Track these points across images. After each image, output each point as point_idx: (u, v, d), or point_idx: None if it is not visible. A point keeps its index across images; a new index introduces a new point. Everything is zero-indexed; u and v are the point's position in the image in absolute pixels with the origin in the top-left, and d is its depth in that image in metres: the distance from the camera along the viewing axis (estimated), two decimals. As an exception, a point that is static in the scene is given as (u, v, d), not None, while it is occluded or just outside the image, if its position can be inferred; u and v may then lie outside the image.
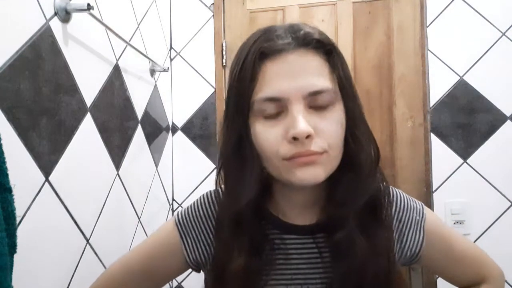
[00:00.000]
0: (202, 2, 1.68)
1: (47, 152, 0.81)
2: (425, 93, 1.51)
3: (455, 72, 1.49)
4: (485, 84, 1.47)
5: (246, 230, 0.58)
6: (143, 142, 1.36)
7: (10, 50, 0.72)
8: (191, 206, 0.69)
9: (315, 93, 0.52)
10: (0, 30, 0.69)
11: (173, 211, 1.67)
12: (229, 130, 0.58)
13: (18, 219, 0.57)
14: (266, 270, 0.60)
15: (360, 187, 0.56)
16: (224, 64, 1.65)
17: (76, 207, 0.91)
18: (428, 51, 1.51)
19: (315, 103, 0.53)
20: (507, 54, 1.45)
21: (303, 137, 0.50)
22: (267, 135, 0.53)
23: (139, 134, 1.31)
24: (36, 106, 0.78)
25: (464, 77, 1.48)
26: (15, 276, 0.55)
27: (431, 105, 1.51)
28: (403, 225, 0.64)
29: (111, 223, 1.10)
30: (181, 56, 1.69)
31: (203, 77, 1.68)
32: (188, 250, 0.66)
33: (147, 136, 1.38)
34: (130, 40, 1.25)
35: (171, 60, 1.70)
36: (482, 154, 1.46)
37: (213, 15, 1.67)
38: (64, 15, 0.88)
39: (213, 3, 1.67)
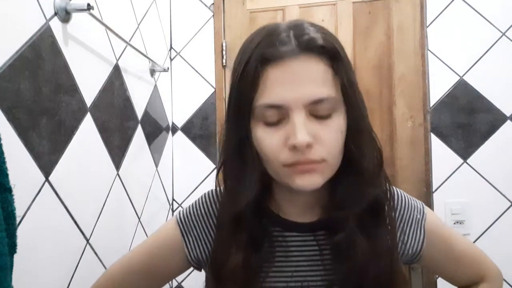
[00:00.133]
0: (202, 2, 1.68)
1: (47, 152, 0.81)
2: (425, 93, 1.51)
3: (455, 72, 1.49)
4: (485, 84, 1.47)
5: (245, 228, 0.58)
6: (143, 142, 1.36)
7: (10, 50, 0.72)
8: (192, 204, 0.69)
9: (317, 102, 0.52)
10: (0, 30, 0.69)
11: (173, 211, 1.67)
12: (231, 131, 0.58)
13: (18, 219, 0.57)
14: (265, 267, 0.60)
15: (361, 192, 0.57)
16: (224, 64, 1.65)
17: (76, 207, 0.91)
18: (428, 51, 1.51)
19: (316, 111, 0.53)
20: (507, 54, 1.45)
21: (303, 147, 0.51)
22: (268, 141, 0.54)
23: (139, 134, 1.31)
24: (36, 106, 0.78)
25: (464, 77, 1.48)
26: (15, 276, 0.55)
27: (431, 105, 1.51)
28: (404, 224, 0.65)
29: (111, 223, 1.10)
30: (181, 56, 1.69)
31: (203, 77, 1.68)
32: (190, 248, 0.66)
33: (147, 136, 1.38)
34: (130, 40, 1.25)
35: (171, 60, 1.70)
36: (482, 154, 1.46)
37: (213, 15, 1.67)
38: (64, 15, 0.88)
39: (213, 3, 1.67)
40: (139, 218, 1.30)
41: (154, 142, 1.47)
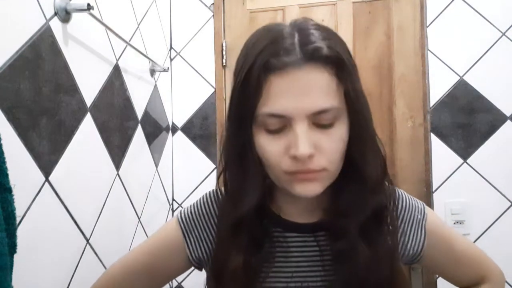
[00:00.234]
0: (202, 2, 1.68)
1: (47, 152, 0.81)
2: (425, 93, 1.51)
3: (455, 72, 1.49)
4: (485, 84, 1.47)
5: (246, 229, 0.59)
6: (143, 142, 1.36)
7: (10, 50, 0.72)
8: (194, 204, 0.69)
9: (320, 112, 0.52)
10: (0, 30, 0.69)
11: (173, 211, 1.67)
12: (232, 136, 0.58)
13: (18, 219, 0.57)
14: (265, 267, 0.60)
15: (364, 201, 0.57)
16: (224, 64, 1.65)
17: (76, 207, 0.91)
18: (428, 51, 1.51)
19: (319, 120, 0.52)
20: (507, 54, 1.45)
21: (304, 158, 0.51)
22: (270, 148, 0.54)
23: (139, 134, 1.31)
24: (36, 106, 0.78)
25: (464, 77, 1.48)
26: (15, 276, 0.55)
27: (431, 105, 1.51)
28: (405, 224, 0.65)
29: (111, 223, 1.10)
30: (181, 56, 1.69)
31: (203, 77, 1.68)
32: (191, 248, 0.66)
33: (147, 136, 1.38)
34: (130, 40, 1.25)
35: (171, 60, 1.70)
36: (482, 154, 1.46)
37: (213, 15, 1.67)
38: (64, 15, 0.88)
39: (213, 3, 1.67)
40: (139, 218, 1.30)
41: (154, 142, 1.47)
